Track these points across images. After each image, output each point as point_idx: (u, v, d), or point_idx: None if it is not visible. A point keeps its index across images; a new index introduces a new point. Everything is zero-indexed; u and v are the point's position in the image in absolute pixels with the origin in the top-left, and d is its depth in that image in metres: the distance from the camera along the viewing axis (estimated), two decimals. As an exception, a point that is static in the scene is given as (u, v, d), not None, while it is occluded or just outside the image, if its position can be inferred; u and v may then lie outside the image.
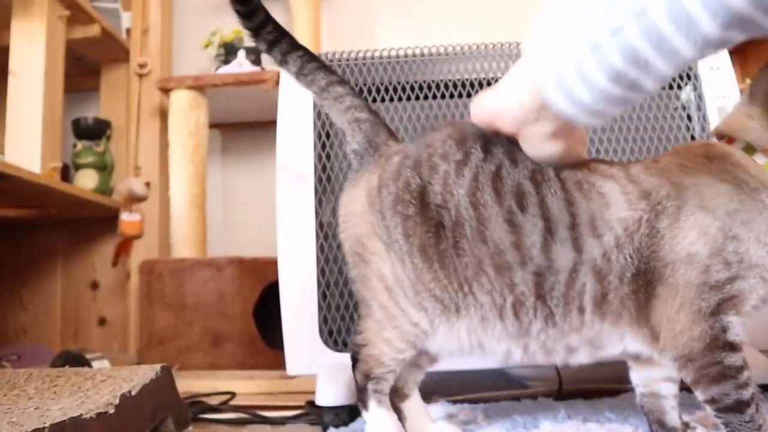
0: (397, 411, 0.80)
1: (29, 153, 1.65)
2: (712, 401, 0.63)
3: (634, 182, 0.66)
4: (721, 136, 0.70)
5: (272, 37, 0.80)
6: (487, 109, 0.68)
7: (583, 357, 0.71)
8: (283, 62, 0.81)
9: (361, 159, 0.78)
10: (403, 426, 0.79)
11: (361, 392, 0.75)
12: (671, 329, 0.64)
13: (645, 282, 0.65)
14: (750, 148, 0.67)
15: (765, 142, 0.66)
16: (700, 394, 0.64)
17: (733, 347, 0.62)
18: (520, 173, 0.68)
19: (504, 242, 0.67)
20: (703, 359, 0.63)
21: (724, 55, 1.10)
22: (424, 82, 1.08)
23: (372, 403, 0.74)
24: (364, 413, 0.75)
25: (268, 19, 0.79)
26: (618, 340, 0.68)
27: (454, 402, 0.94)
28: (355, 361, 0.76)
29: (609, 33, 0.53)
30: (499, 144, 0.70)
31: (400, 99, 1.08)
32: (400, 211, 0.70)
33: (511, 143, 0.70)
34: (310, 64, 0.81)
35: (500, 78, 1.03)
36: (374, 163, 0.76)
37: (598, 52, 0.54)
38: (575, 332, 0.68)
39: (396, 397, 0.81)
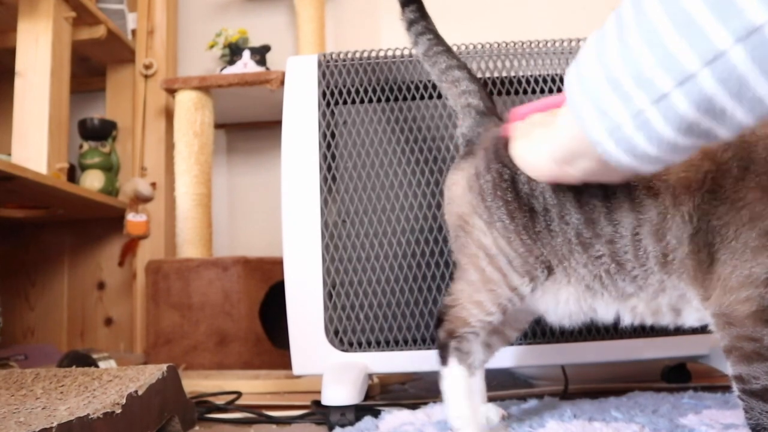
0: None
1: (36, 154, 1.66)
2: (739, 379, 0.61)
3: None
4: None
5: (412, 16, 0.90)
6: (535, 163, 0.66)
7: (691, 320, 0.70)
8: (414, 43, 0.91)
9: (467, 143, 0.84)
10: None
11: (441, 348, 0.78)
12: (722, 287, 0.62)
13: (705, 243, 0.63)
14: None
15: None
16: (729, 368, 0.62)
17: None
18: None
19: (581, 220, 0.70)
20: (742, 328, 0.60)
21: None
22: (429, 81, 1.08)
23: (453, 359, 0.77)
24: (441, 368, 0.78)
25: (413, 1, 0.90)
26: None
27: (460, 401, 0.94)
28: (439, 321, 0.80)
29: (675, 82, 0.46)
30: None
31: (405, 99, 1.08)
32: (500, 195, 0.75)
33: None
34: (436, 47, 0.89)
35: (504, 77, 1.03)
36: (475, 151, 0.81)
37: (663, 102, 0.47)
38: (662, 293, 0.68)
39: None
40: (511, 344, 0.91)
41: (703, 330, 0.67)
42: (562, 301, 0.75)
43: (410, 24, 0.91)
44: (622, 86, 0.49)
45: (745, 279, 0.60)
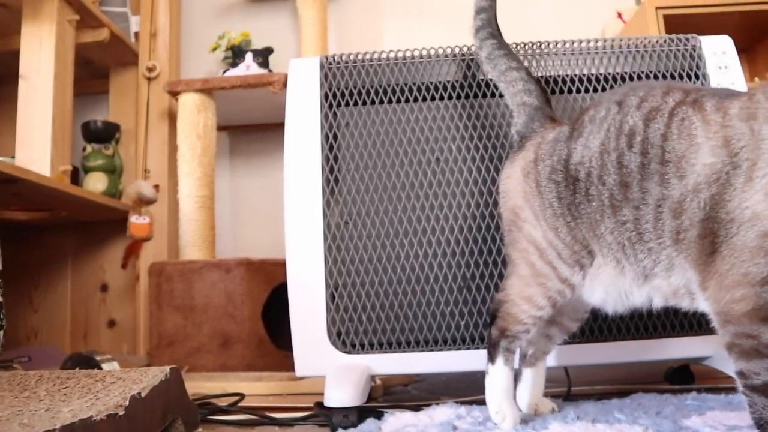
0: (519, 373, 0.90)
1: (39, 156, 1.66)
2: (741, 375, 0.62)
3: (725, 127, 0.66)
4: None
5: (481, 23, 0.99)
6: None
7: (704, 305, 0.71)
8: (479, 48, 0.99)
9: (521, 139, 0.89)
10: (515, 388, 0.89)
11: (492, 347, 0.83)
12: (718, 282, 0.64)
13: (711, 232, 0.65)
14: None
15: None
16: (732, 363, 0.63)
17: None
18: (639, 114, 0.73)
19: (616, 181, 0.73)
20: (740, 326, 0.61)
21: (732, 54, 1.09)
22: (431, 83, 1.08)
23: (500, 359, 0.82)
24: (488, 366, 0.83)
25: (487, 8, 0.99)
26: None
27: (463, 403, 0.94)
28: (493, 318, 0.84)
29: None
30: (637, 93, 0.75)
31: (407, 100, 1.08)
32: (554, 178, 0.80)
33: (650, 88, 0.75)
34: (497, 51, 0.96)
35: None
36: (531, 143, 0.86)
37: None
38: (672, 270, 0.70)
39: (522, 362, 0.91)
40: (571, 335, 0.92)
41: (704, 330, 0.67)
42: (602, 283, 0.78)
43: (477, 30, 1.00)
44: None
45: (741, 278, 0.62)
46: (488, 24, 0.99)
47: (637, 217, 0.71)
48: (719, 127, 0.66)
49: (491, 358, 0.83)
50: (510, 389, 0.83)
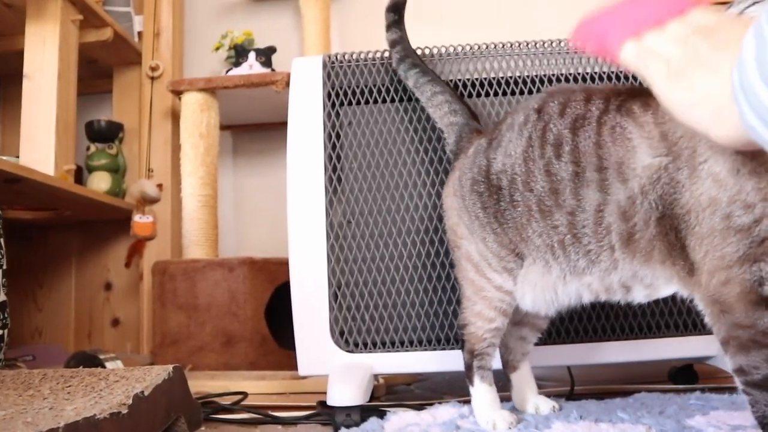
0: (507, 380, 0.93)
1: (43, 155, 1.67)
2: (740, 372, 0.61)
3: (659, 124, 0.66)
4: None
5: (400, 55, 1.02)
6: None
7: (639, 296, 0.74)
8: (405, 78, 1.03)
9: (454, 158, 0.92)
10: (511, 393, 0.93)
11: (468, 369, 0.86)
12: (699, 273, 0.64)
13: (672, 227, 0.65)
14: None
15: None
16: (728, 361, 0.62)
17: None
18: (563, 123, 0.74)
19: (545, 188, 0.74)
20: (736, 315, 0.60)
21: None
22: (434, 82, 1.08)
23: (476, 379, 0.85)
24: (470, 388, 0.86)
25: (400, 40, 1.03)
26: (666, 280, 0.70)
27: (466, 402, 0.94)
28: (462, 343, 0.87)
29: None
30: (556, 99, 0.76)
31: (410, 99, 1.08)
32: (476, 189, 0.82)
33: (569, 94, 0.75)
34: (421, 79, 1.00)
35: (509, 77, 1.04)
36: (458, 161, 0.90)
37: None
38: (614, 270, 0.71)
39: (506, 368, 0.93)
40: (543, 331, 0.93)
41: (707, 330, 0.67)
42: (532, 283, 0.79)
43: (399, 62, 1.02)
44: None
45: (719, 261, 0.61)
46: (407, 55, 1.02)
47: (572, 222, 0.72)
48: (653, 126, 0.67)
49: (470, 380, 0.86)
50: (494, 401, 0.85)
